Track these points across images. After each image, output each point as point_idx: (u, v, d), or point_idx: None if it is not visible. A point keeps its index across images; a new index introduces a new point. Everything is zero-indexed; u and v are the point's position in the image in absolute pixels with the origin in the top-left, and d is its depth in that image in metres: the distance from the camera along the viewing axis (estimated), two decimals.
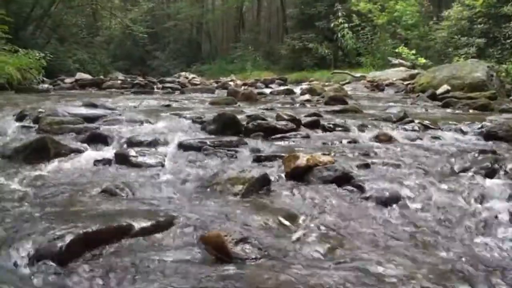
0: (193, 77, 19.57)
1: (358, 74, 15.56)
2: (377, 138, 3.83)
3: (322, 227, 1.92)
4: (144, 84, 13.34)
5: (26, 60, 13.30)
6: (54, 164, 2.98)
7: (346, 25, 20.37)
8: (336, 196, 2.31)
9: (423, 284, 1.41)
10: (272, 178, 2.51)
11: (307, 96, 8.82)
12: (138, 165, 2.91)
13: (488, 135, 3.92)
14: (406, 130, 4.35)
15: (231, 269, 1.48)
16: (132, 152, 3.12)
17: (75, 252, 1.54)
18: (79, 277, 1.43)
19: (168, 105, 6.97)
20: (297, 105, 7.39)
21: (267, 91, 11.55)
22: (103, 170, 2.87)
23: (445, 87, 9.20)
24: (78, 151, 3.29)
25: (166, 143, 3.57)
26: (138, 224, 1.77)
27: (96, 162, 3.00)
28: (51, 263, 1.47)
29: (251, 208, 2.11)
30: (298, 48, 23.08)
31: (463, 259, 1.64)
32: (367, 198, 2.27)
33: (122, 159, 3.01)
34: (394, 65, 15.46)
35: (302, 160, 2.61)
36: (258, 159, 3.03)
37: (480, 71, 9.92)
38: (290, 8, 26.53)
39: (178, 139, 3.60)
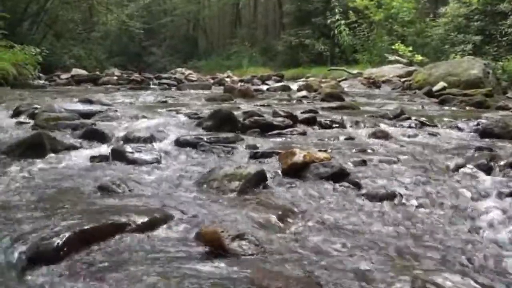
0: (190, 73, 19.50)
1: (354, 71, 15.55)
2: (374, 135, 3.83)
3: (318, 224, 1.93)
4: (141, 80, 13.32)
5: (21, 56, 13.28)
6: (50, 160, 2.97)
7: (342, 21, 20.38)
8: (332, 193, 2.31)
9: (416, 277, 1.41)
10: (268, 174, 2.51)
11: (303, 93, 8.82)
12: (134, 161, 2.89)
13: (484, 132, 3.93)
14: (403, 127, 4.35)
15: (227, 265, 1.48)
16: (128, 148, 3.11)
17: (71, 249, 1.54)
18: (75, 274, 1.42)
19: (164, 101, 6.97)
20: (294, 101, 7.38)
21: (264, 87, 11.54)
22: (99, 166, 2.86)
23: (441, 84, 9.21)
24: (74, 147, 3.28)
25: (162, 139, 3.56)
26: (134, 221, 1.77)
27: (92, 158, 2.99)
28: (47, 260, 1.47)
29: (247, 204, 2.11)
30: (295, 45, 23.07)
31: (456, 254, 1.65)
32: (363, 195, 2.28)
33: (118, 155, 3.00)
34: (390, 62, 15.46)
35: (299, 157, 2.60)
36: (255, 156, 3.03)
37: (476, 68, 9.93)
38: (287, 4, 26.43)
39: (175, 136, 3.59)
